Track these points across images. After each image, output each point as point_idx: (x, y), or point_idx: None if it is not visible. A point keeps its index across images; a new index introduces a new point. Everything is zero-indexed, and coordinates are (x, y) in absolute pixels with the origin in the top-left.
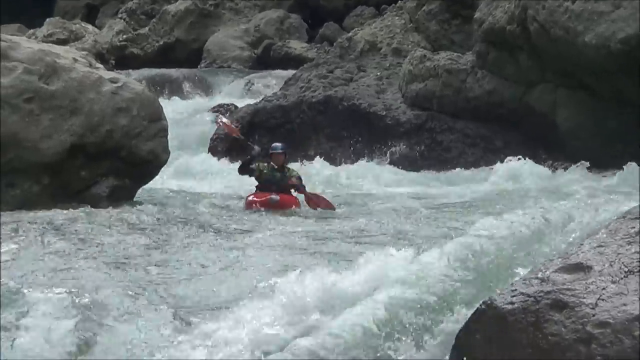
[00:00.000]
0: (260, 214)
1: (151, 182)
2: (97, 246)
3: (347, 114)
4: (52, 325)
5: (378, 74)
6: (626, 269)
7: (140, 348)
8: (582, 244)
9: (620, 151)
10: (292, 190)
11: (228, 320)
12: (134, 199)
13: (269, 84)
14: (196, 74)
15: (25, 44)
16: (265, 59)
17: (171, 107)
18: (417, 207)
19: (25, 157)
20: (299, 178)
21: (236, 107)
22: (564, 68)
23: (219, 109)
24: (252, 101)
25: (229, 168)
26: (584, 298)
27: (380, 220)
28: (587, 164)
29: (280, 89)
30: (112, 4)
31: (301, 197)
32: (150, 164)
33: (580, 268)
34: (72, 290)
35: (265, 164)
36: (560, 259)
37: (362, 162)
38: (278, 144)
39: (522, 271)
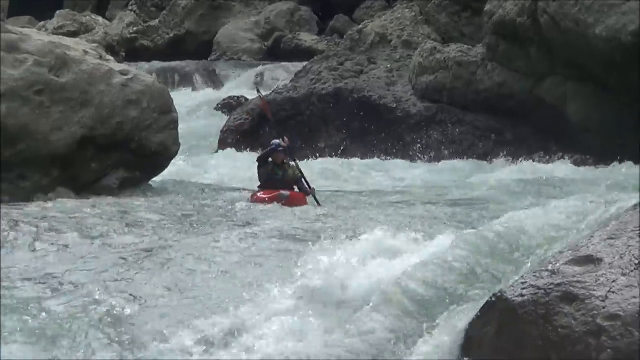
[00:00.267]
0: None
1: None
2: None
3: (357, 106)
4: None
5: (388, 66)
6: (636, 261)
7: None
8: (592, 236)
9: (630, 143)
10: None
11: None
12: (144, 191)
13: (279, 76)
14: (206, 66)
15: (36, 36)
16: (275, 51)
17: (181, 99)
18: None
19: (35, 149)
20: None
21: (246, 98)
22: (574, 60)
23: (229, 101)
24: (262, 93)
25: (239, 159)
26: (594, 290)
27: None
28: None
29: (290, 81)
30: None
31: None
32: (160, 156)
33: (590, 260)
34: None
35: (267, 161)
36: (570, 251)
37: (372, 154)
38: (277, 141)
39: None
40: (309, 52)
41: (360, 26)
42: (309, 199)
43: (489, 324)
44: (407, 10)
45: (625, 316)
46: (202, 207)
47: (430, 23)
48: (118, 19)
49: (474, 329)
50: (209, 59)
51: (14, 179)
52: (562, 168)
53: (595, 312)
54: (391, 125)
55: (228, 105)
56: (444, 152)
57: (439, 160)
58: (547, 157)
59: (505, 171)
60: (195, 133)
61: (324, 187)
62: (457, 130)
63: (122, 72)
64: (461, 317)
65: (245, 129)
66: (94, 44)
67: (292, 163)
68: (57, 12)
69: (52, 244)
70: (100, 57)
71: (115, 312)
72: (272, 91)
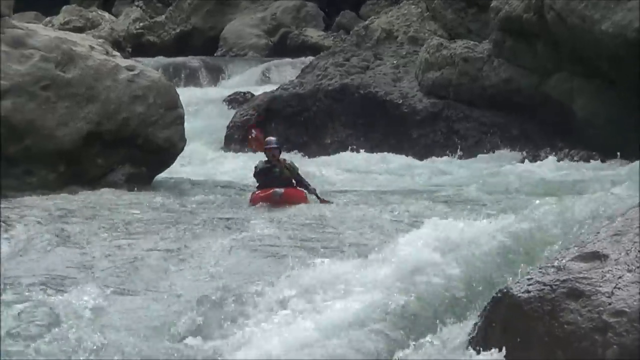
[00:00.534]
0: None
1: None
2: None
3: (363, 102)
4: None
5: (394, 62)
6: None
7: None
8: (598, 233)
9: (637, 139)
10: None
11: None
12: (150, 187)
13: (286, 72)
14: (212, 62)
15: (42, 32)
16: (281, 47)
17: (187, 95)
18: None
19: (41, 144)
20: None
21: (252, 94)
22: (581, 56)
23: (236, 97)
24: (268, 89)
25: (244, 155)
26: (600, 287)
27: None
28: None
29: (296, 77)
30: None
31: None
32: (166, 152)
33: (596, 257)
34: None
35: (262, 162)
36: (576, 248)
37: (378, 150)
38: (272, 139)
39: None
40: (316, 48)
41: (366, 22)
42: (311, 196)
43: (495, 320)
44: (413, 6)
45: (631, 313)
46: (196, 209)
47: (436, 19)
48: (124, 15)
49: (480, 324)
50: (215, 55)
51: (20, 175)
52: (568, 164)
53: (601, 308)
54: (397, 122)
55: (234, 101)
56: (450, 148)
57: (445, 156)
58: (554, 153)
59: (513, 167)
60: (202, 129)
61: (330, 184)
62: (463, 126)
63: (129, 68)
64: (469, 313)
65: (252, 124)
66: (100, 40)
67: (288, 160)
68: (64, 7)
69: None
70: (107, 53)
71: None
72: (279, 87)
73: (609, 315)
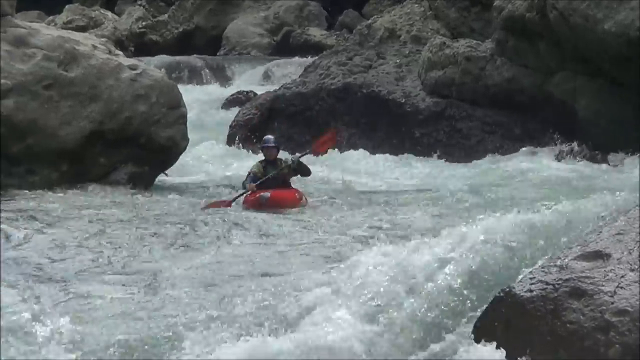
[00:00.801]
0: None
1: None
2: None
3: (366, 101)
4: None
5: (397, 61)
6: None
7: None
8: (600, 232)
9: None
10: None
11: None
12: (153, 186)
13: (288, 71)
14: (215, 61)
15: (45, 31)
16: (284, 46)
17: (190, 94)
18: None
19: (44, 143)
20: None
21: (255, 94)
22: (584, 56)
23: (238, 96)
24: (271, 88)
25: (246, 154)
26: (603, 286)
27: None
28: None
29: (299, 76)
30: None
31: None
32: (169, 151)
33: (599, 256)
34: None
35: (258, 163)
36: (579, 247)
37: (381, 149)
38: (270, 137)
39: None
40: (318, 47)
41: (369, 21)
42: (305, 197)
43: (497, 319)
44: (416, 5)
45: (634, 312)
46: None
47: (439, 18)
48: (127, 14)
49: (483, 323)
50: (218, 54)
51: (23, 174)
52: (571, 163)
53: (604, 307)
54: (400, 121)
55: (237, 101)
56: (453, 147)
57: (448, 156)
58: (557, 152)
59: (516, 166)
60: (205, 128)
61: (331, 184)
62: (466, 125)
63: (131, 67)
64: (471, 312)
65: (255, 124)
66: (103, 39)
67: (285, 159)
68: (67, 6)
69: None
70: (110, 52)
71: None
72: (282, 86)
73: (612, 314)
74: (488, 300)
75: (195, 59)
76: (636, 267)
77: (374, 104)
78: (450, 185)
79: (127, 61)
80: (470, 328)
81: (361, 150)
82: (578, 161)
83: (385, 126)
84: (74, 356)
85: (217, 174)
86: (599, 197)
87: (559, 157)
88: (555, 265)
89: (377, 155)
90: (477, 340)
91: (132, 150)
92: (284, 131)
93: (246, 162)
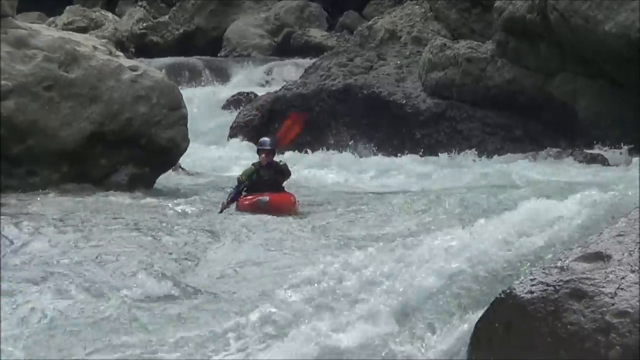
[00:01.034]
0: None
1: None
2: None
3: (367, 103)
4: None
5: (398, 62)
6: None
7: None
8: (601, 233)
9: None
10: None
11: None
12: (153, 188)
13: (289, 73)
14: (216, 62)
15: (45, 32)
16: (285, 47)
17: (190, 95)
18: None
19: (45, 144)
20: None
21: (256, 95)
22: (584, 57)
23: (239, 97)
24: (271, 89)
25: (246, 156)
26: (603, 287)
27: None
28: None
29: (300, 78)
30: None
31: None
32: (170, 152)
33: (599, 257)
34: None
35: (252, 166)
36: (579, 248)
37: (382, 151)
38: (266, 139)
39: None
40: (319, 49)
41: (370, 22)
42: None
43: (498, 321)
44: (417, 6)
45: (635, 313)
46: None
47: (440, 19)
48: (128, 15)
49: (483, 325)
50: (218, 55)
51: (23, 175)
52: (572, 164)
53: (605, 309)
54: (401, 122)
55: (237, 102)
56: (453, 148)
57: (449, 157)
58: (557, 153)
59: (516, 167)
60: (205, 129)
61: (331, 185)
62: (467, 126)
63: (132, 68)
64: (471, 313)
65: (255, 125)
66: (103, 40)
67: (282, 162)
68: (67, 8)
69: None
70: (110, 53)
71: None
72: (282, 87)
73: (612, 315)
74: (489, 301)
75: (195, 60)
76: (637, 268)
77: (375, 105)
78: (451, 187)
79: (127, 62)
80: (471, 329)
81: (362, 151)
82: (578, 162)
83: (386, 127)
84: None
85: (218, 175)
86: (599, 198)
87: (559, 158)
88: (556, 267)
89: (378, 156)
90: (478, 342)
91: (133, 151)
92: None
93: (246, 163)
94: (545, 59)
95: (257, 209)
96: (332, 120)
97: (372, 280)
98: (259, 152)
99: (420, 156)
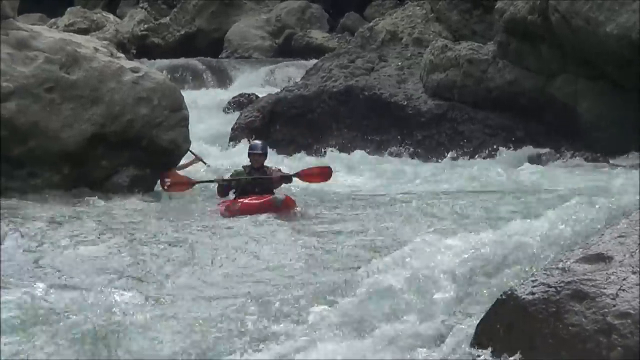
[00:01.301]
0: None
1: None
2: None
3: (368, 104)
4: None
5: (399, 63)
6: None
7: None
8: (602, 234)
9: None
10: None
11: None
12: (154, 190)
13: (290, 74)
14: (217, 64)
15: (47, 34)
16: (286, 49)
17: (192, 97)
18: None
19: (46, 146)
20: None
21: (257, 96)
22: (585, 58)
23: (240, 99)
24: (273, 91)
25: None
26: (605, 288)
27: None
28: None
29: (301, 79)
30: None
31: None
32: (171, 154)
33: (601, 258)
34: None
35: (242, 169)
36: (581, 249)
37: (383, 152)
38: (258, 143)
39: None
40: (320, 50)
41: (371, 24)
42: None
43: (499, 322)
44: (418, 8)
45: (636, 314)
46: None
47: (441, 21)
48: (129, 17)
49: (484, 326)
50: (219, 56)
51: (24, 177)
52: (573, 166)
53: (606, 310)
54: (402, 123)
55: (239, 103)
56: (455, 150)
57: (450, 158)
58: (559, 154)
59: (518, 169)
60: (206, 131)
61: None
62: (468, 128)
63: (133, 70)
64: (473, 314)
65: (256, 126)
66: (105, 42)
67: (275, 167)
68: (68, 9)
69: None
70: (111, 55)
71: None
72: (283, 89)
73: (614, 317)
74: (490, 302)
75: (197, 62)
76: (638, 269)
77: (376, 106)
78: (451, 188)
79: (129, 64)
80: (472, 330)
81: (363, 153)
82: (580, 164)
83: (387, 129)
84: None
85: (216, 176)
86: (600, 200)
87: (560, 160)
88: (557, 268)
89: (379, 157)
90: (479, 343)
91: (134, 153)
92: (285, 134)
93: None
94: (547, 61)
95: (271, 210)
96: (333, 121)
97: (372, 281)
98: (250, 155)
99: (422, 157)
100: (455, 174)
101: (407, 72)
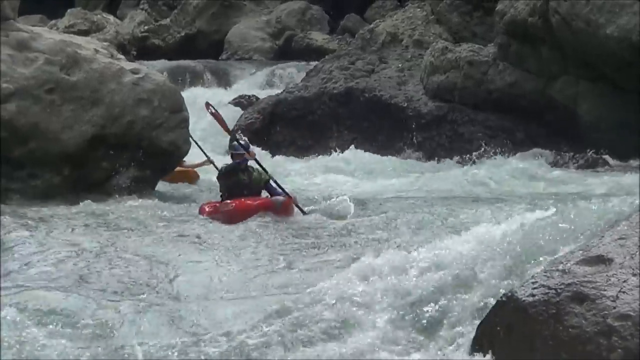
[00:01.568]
0: None
1: None
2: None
3: (368, 106)
4: None
5: (399, 65)
6: None
7: None
8: (602, 236)
9: None
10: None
11: None
12: (154, 191)
13: (290, 76)
14: (217, 66)
15: (47, 35)
16: (286, 51)
17: (192, 98)
18: None
19: (46, 147)
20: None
21: (257, 98)
22: (586, 60)
23: (240, 100)
24: (273, 92)
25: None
26: (605, 290)
27: None
28: None
29: (301, 81)
30: None
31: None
32: (171, 155)
33: (601, 260)
34: None
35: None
36: (581, 251)
37: (383, 154)
38: (242, 142)
39: None
40: (321, 52)
41: (371, 26)
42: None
43: (500, 324)
44: (418, 9)
45: (636, 316)
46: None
47: (441, 23)
48: (129, 18)
49: (485, 328)
50: (220, 58)
51: (25, 178)
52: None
53: (606, 312)
54: (402, 125)
55: (239, 105)
56: (455, 151)
57: (450, 160)
58: (559, 156)
59: (518, 170)
60: (206, 132)
61: (333, 188)
62: (468, 130)
63: (133, 71)
64: (472, 316)
65: (257, 128)
66: (105, 43)
67: (257, 168)
68: (69, 10)
69: None
70: (112, 56)
71: None
72: (284, 91)
73: (614, 319)
74: (491, 304)
75: (197, 63)
76: (638, 271)
77: (376, 108)
78: (451, 189)
79: (129, 65)
80: (472, 332)
81: (363, 154)
82: (581, 165)
83: (387, 130)
84: None
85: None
86: (600, 202)
87: (560, 162)
88: (558, 270)
89: (379, 159)
90: (480, 345)
91: (134, 154)
92: (286, 135)
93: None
94: (547, 62)
95: (271, 211)
96: (333, 123)
97: (372, 282)
98: (233, 156)
99: (422, 159)
100: (455, 174)
101: (407, 73)
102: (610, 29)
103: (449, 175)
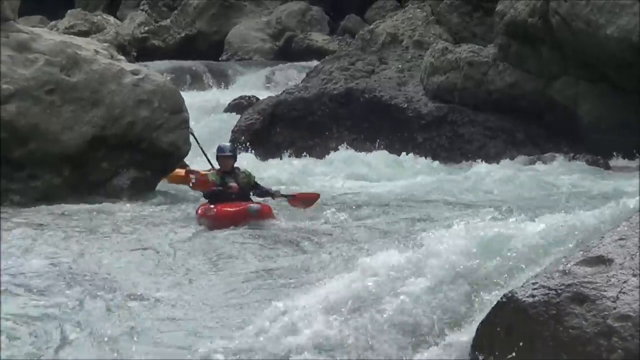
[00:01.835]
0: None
1: None
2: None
3: (368, 107)
4: None
5: (399, 66)
6: None
7: None
8: (603, 237)
9: None
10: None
11: None
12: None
13: (291, 77)
14: (217, 66)
15: (47, 36)
16: (286, 51)
17: (192, 99)
18: None
19: (46, 148)
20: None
21: (257, 99)
22: (586, 61)
23: (240, 101)
24: (273, 93)
25: (248, 160)
26: (605, 291)
27: None
28: None
29: (301, 81)
30: None
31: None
32: (171, 156)
33: (601, 261)
34: None
35: (213, 171)
36: (581, 252)
37: (383, 154)
38: (226, 145)
39: None
40: (321, 52)
41: (371, 26)
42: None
43: (500, 324)
44: (418, 10)
45: (636, 317)
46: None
47: (441, 23)
48: (129, 19)
49: (485, 328)
50: (220, 59)
51: (25, 179)
52: (573, 168)
53: (607, 313)
54: (402, 126)
55: (239, 106)
56: (455, 152)
57: (450, 160)
58: (559, 157)
59: (518, 171)
60: (206, 133)
61: (334, 189)
62: (468, 130)
63: (134, 72)
64: (473, 316)
65: (257, 129)
66: (105, 44)
67: (244, 170)
68: (69, 11)
69: None
70: (112, 57)
71: None
72: (284, 91)
73: (614, 319)
74: (490, 305)
75: (197, 64)
76: (638, 272)
77: (376, 109)
78: (451, 190)
79: (129, 66)
80: (472, 333)
81: (363, 155)
82: (581, 166)
83: (388, 131)
84: None
85: None
86: (600, 203)
87: (561, 162)
88: (558, 271)
89: (379, 159)
90: (480, 346)
91: (134, 155)
92: (286, 136)
93: (248, 166)
94: (547, 63)
95: (246, 218)
96: (333, 124)
97: (372, 282)
98: (219, 158)
99: (422, 160)
100: (455, 174)
101: (407, 74)
102: (611, 30)
103: (449, 176)
